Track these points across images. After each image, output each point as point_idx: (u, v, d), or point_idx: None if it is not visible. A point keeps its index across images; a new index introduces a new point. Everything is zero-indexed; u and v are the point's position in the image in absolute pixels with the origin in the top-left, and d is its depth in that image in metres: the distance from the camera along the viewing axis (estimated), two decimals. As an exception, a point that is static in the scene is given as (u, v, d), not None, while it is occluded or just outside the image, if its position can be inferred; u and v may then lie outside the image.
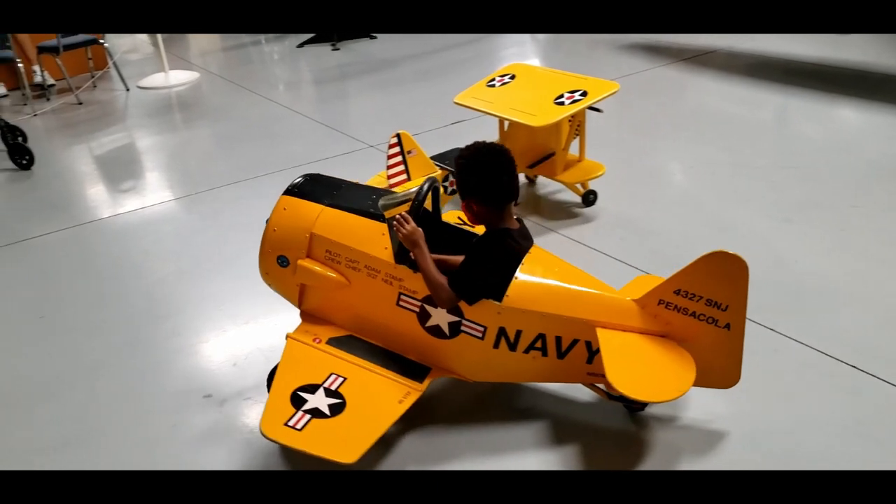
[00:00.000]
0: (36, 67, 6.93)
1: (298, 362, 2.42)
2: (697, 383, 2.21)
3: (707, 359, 2.22)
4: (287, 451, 2.37)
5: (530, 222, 3.70)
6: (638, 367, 2.18)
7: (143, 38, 9.73)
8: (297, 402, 2.23)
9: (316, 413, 2.20)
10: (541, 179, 4.07)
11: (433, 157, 3.67)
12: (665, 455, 2.29)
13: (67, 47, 6.61)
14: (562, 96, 3.53)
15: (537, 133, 3.74)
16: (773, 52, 6.32)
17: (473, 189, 2.35)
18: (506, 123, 3.89)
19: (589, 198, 3.78)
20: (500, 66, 4.12)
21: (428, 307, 2.39)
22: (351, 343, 2.51)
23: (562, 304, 2.28)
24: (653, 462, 2.27)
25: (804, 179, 4.01)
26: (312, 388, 2.29)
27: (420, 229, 2.34)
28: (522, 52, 7.42)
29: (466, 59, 7.22)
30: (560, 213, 3.78)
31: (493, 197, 2.34)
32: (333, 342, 2.50)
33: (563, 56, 6.88)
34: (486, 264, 2.33)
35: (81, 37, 6.80)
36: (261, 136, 5.51)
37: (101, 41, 6.94)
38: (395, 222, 2.37)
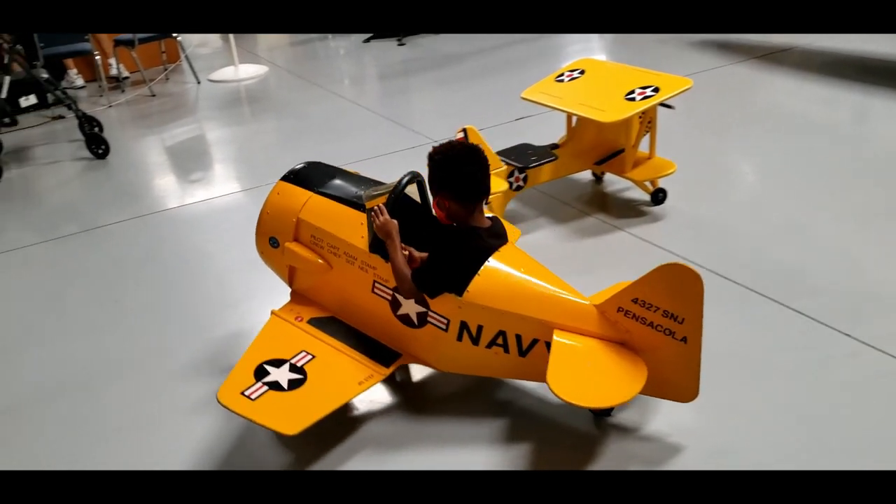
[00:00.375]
0: (112, 60, 7.14)
1: (274, 338, 2.54)
2: (656, 394, 2.22)
3: (664, 371, 2.17)
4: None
5: (597, 220, 3.66)
6: (582, 371, 2.16)
7: (211, 35, 9.94)
8: (259, 374, 2.33)
9: (274, 386, 2.30)
10: (608, 177, 4.01)
11: (499, 153, 3.65)
12: (616, 459, 2.27)
13: (142, 41, 6.79)
14: (633, 92, 3.47)
15: (606, 129, 3.68)
16: (851, 49, 6.10)
17: (446, 184, 2.38)
18: (573, 119, 3.85)
19: (658, 196, 3.71)
20: (566, 63, 4.07)
21: (399, 296, 2.47)
22: (330, 324, 2.61)
23: (521, 303, 2.29)
24: (601, 465, 2.26)
25: (881, 182, 3.87)
26: (279, 363, 2.39)
27: (394, 221, 2.41)
28: (588, 48, 7.33)
29: (531, 55, 7.17)
30: (628, 211, 3.72)
31: (464, 193, 2.37)
32: (314, 322, 2.62)
33: (630, 52, 6.76)
34: (448, 260, 2.37)
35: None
36: (326, 129, 5.57)
37: (175, 35, 7.11)
38: (372, 213, 2.44)
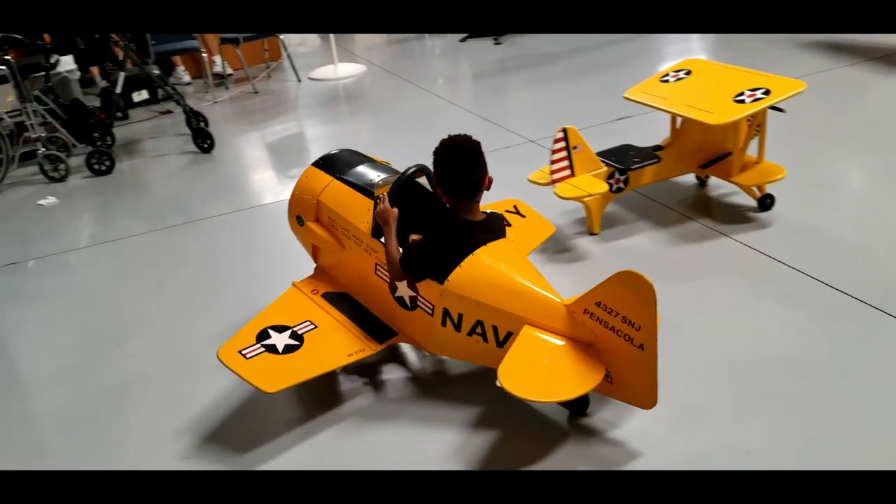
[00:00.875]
0: (217, 58, 7.38)
1: (287, 306, 2.76)
2: (620, 398, 2.28)
3: (625, 375, 2.22)
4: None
5: (700, 225, 3.54)
6: (535, 365, 2.22)
7: (311, 35, 10.15)
8: (261, 337, 2.57)
9: (270, 348, 2.52)
10: (712, 180, 3.88)
11: (599, 154, 3.58)
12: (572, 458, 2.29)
13: (247, 39, 6.99)
14: (742, 94, 3.34)
15: (712, 132, 3.56)
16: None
17: (439, 178, 2.51)
18: (678, 120, 3.74)
19: (765, 202, 3.56)
20: (666, 63, 3.97)
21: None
22: (341, 300, 2.82)
23: (497, 296, 2.36)
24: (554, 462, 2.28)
25: None
26: (282, 329, 2.61)
27: (394, 210, 2.59)
28: (688, 48, 7.12)
29: (628, 54, 7.02)
30: (733, 216, 3.58)
31: (452, 188, 2.48)
32: (327, 296, 2.83)
33: (734, 53, 6.53)
34: (433, 248, 2.50)
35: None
36: (422, 128, 5.59)
37: (277, 34, 7.28)
38: (377, 200, 2.64)
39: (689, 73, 3.74)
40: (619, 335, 2.16)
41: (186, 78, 7.53)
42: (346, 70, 7.38)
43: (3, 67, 5.02)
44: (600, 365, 2.21)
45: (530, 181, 3.62)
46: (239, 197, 4.64)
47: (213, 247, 4.03)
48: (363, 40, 9.59)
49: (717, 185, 3.88)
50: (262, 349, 2.50)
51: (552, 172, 3.47)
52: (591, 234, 3.57)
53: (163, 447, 2.52)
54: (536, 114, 5.54)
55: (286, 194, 4.61)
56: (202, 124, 5.66)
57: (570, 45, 7.47)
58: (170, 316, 3.39)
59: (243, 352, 2.48)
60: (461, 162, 2.45)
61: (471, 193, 2.47)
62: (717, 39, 7.33)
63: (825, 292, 2.92)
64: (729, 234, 3.44)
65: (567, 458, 2.31)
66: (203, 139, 5.47)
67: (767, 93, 3.29)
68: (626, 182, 3.56)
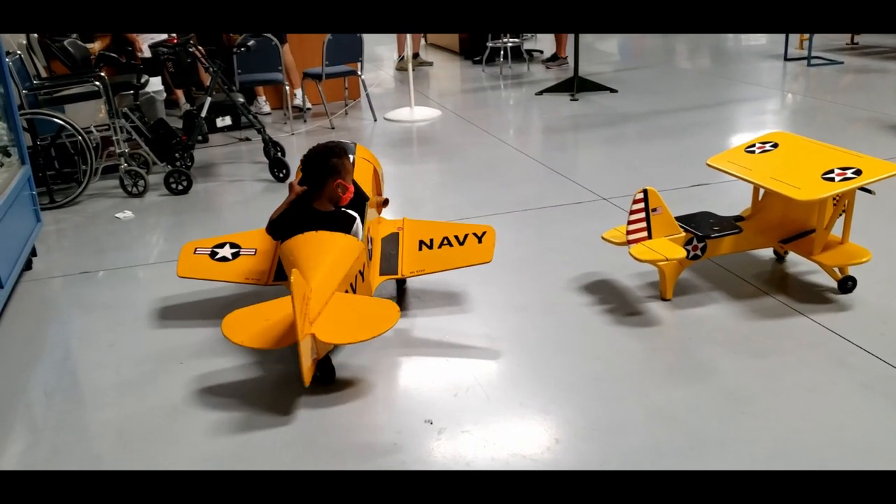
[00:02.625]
0: (298, 91, 7.56)
1: (252, 237, 3.63)
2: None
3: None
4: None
5: (777, 301, 3.43)
6: (342, 318, 2.81)
7: (388, 75, 10.35)
8: (218, 246, 3.58)
9: (212, 254, 3.54)
10: (791, 257, 3.77)
11: (678, 218, 3.52)
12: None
13: (329, 76, 7.15)
14: (831, 171, 3.26)
15: (796, 207, 3.48)
16: None
17: None
18: (760, 192, 3.66)
19: (847, 284, 3.44)
20: (742, 133, 3.90)
21: None
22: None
23: (290, 266, 3.00)
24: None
25: None
26: (234, 246, 3.59)
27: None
28: (764, 120, 7.04)
29: (708, 121, 6.97)
30: (811, 296, 3.47)
31: (303, 178, 3.37)
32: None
33: (816, 128, 6.44)
34: (284, 216, 3.32)
35: (343, 67, 7.33)
36: (492, 175, 5.61)
37: (359, 74, 7.44)
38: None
39: (775, 145, 3.67)
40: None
41: (266, 108, 7.72)
42: (421, 113, 7.48)
43: (98, 84, 5.22)
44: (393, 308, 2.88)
45: (604, 239, 3.57)
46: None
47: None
48: (437, 85, 9.75)
49: (796, 262, 3.77)
50: (208, 252, 3.50)
51: (629, 233, 3.41)
52: (664, 299, 3.49)
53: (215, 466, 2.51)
54: (609, 172, 5.51)
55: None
56: (279, 154, 5.78)
57: (647, 107, 7.47)
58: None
59: (197, 250, 3.49)
60: (308, 161, 3.32)
61: (311, 187, 3.28)
62: (795, 112, 7.24)
63: (909, 385, 2.78)
64: (806, 313, 3.32)
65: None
66: (279, 168, 5.57)
67: (858, 173, 3.20)
68: (703, 250, 3.48)
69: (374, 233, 3.59)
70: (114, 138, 5.34)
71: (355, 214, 3.28)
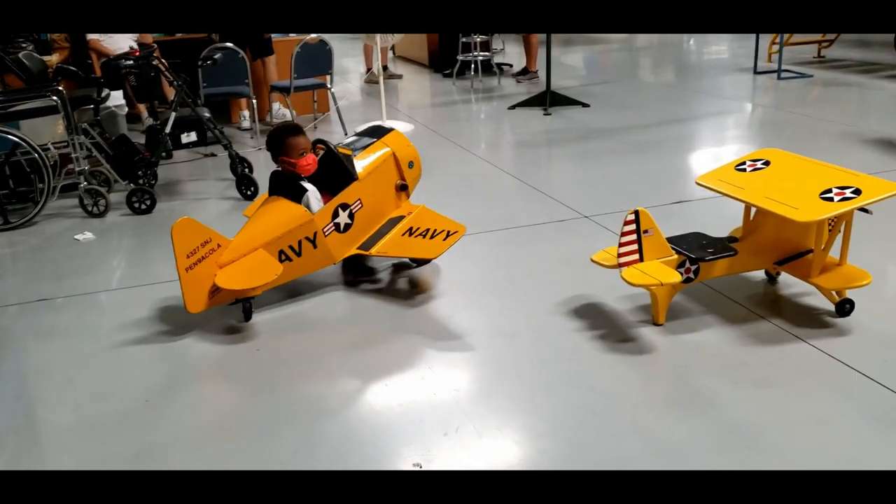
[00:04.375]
0: (277, 104, 7.35)
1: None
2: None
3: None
4: None
5: (773, 325, 3.31)
6: (243, 271, 3.42)
7: (356, 87, 10.18)
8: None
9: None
10: (783, 277, 3.66)
11: (669, 240, 3.38)
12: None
13: (298, 89, 6.95)
14: (829, 191, 3.15)
15: (790, 227, 3.37)
16: None
17: None
18: (752, 212, 3.55)
19: (844, 307, 3.33)
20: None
21: None
22: None
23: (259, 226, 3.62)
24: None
25: None
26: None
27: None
28: (741, 134, 7.01)
29: (683, 135, 6.91)
30: (808, 319, 3.36)
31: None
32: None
33: (784, 142, 6.39)
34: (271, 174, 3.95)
35: (312, 80, 7.14)
36: (469, 192, 5.45)
37: (328, 86, 7.25)
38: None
39: (767, 163, 3.56)
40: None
41: (246, 124, 7.47)
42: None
43: (56, 98, 4.96)
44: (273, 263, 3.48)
45: (594, 262, 3.42)
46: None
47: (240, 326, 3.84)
48: (407, 98, 9.60)
49: (788, 283, 3.66)
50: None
51: (620, 255, 3.27)
52: (656, 324, 3.36)
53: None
54: (589, 189, 5.38)
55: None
56: (247, 170, 5.56)
57: (619, 122, 7.39)
58: (202, 373, 3.20)
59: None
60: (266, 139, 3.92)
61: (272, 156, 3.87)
62: (766, 126, 7.21)
63: (918, 415, 2.67)
64: (805, 338, 3.20)
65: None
66: (247, 186, 5.35)
67: (858, 192, 3.09)
68: (696, 273, 3.35)
69: (379, 210, 3.98)
70: (73, 155, 5.08)
71: (308, 187, 3.72)
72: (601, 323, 3.41)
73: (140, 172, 5.25)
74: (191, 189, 5.76)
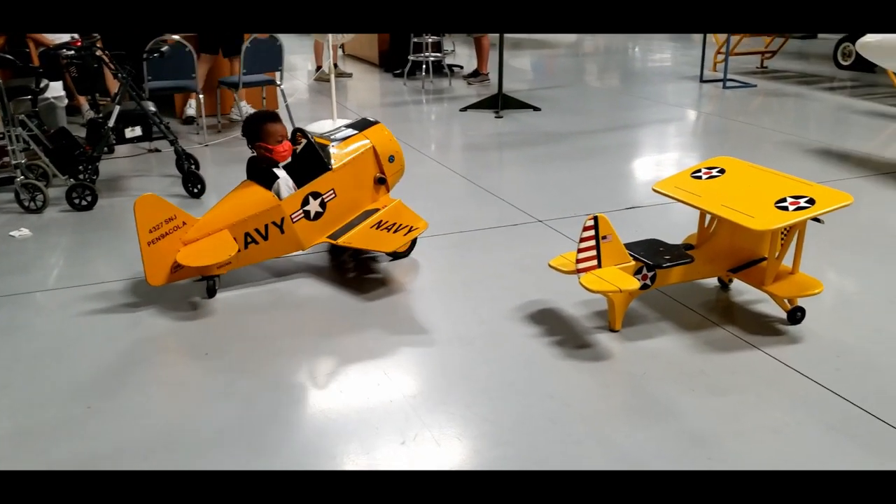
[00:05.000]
0: (244, 102, 7.17)
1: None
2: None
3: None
4: None
5: (726, 332, 3.34)
6: (203, 250, 3.55)
7: (303, 85, 10.02)
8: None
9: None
10: (736, 285, 3.70)
11: (627, 245, 3.38)
12: None
13: (246, 85, 6.78)
14: (784, 200, 3.18)
15: (744, 236, 3.40)
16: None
17: None
18: (707, 218, 3.58)
19: (796, 315, 3.38)
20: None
21: None
22: None
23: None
24: None
25: None
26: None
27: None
28: (688, 141, 7.11)
29: (633, 141, 6.98)
30: (761, 327, 3.39)
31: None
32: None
33: (728, 149, 6.48)
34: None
35: (261, 76, 6.98)
36: (422, 193, 5.35)
37: (278, 83, 7.09)
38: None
39: (722, 171, 3.59)
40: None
41: (192, 111, 7.25)
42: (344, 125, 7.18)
43: (-10, 87, 4.72)
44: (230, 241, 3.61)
45: (552, 267, 3.40)
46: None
47: (194, 300, 3.72)
48: (357, 97, 9.50)
49: (741, 291, 3.70)
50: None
51: (578, 261, 3.25)
52: (612, 330, 3.35)
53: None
54: (542, 193, 5.37)
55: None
56: (193, 167, 5.39)
57: (570, 126, 7.42)
58: (147, 378, 3.06)
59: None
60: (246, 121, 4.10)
61: (247, 141, 3.99)
62: (711, 133, 7.33)
63: (871, 424, 2.70)
64: (759, 346, 3.23)
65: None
66: (194, 183, 5.19)
67: (812, 202, 3.14)
68: (653, 279, 3.36)
69: (354, 201, 4.05)
70: (9, 148, 4.85)
71: (280, 174, 3.81)
72: (558, 329, 3.39)
73: (81, 167, 5.04)
74: (134, 185, 5.56)
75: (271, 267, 4.02)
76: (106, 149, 5.45)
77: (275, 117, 3.97)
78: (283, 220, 3.76)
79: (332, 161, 3.95)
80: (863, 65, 9.51)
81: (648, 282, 3.37)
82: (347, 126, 4.33)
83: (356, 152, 4.07)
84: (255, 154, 3.96)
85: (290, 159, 3.96)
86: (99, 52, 5.16)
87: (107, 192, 5.31)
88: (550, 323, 3.45)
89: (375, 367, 3.10)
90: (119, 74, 5.15)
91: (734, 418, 2.75)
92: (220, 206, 3.77)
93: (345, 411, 2.81)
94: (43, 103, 5.63)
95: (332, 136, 4.16)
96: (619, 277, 3.23)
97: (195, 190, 5.18)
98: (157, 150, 6.26)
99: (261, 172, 3.85)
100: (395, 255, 4.11)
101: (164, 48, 5.81)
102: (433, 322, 3.47)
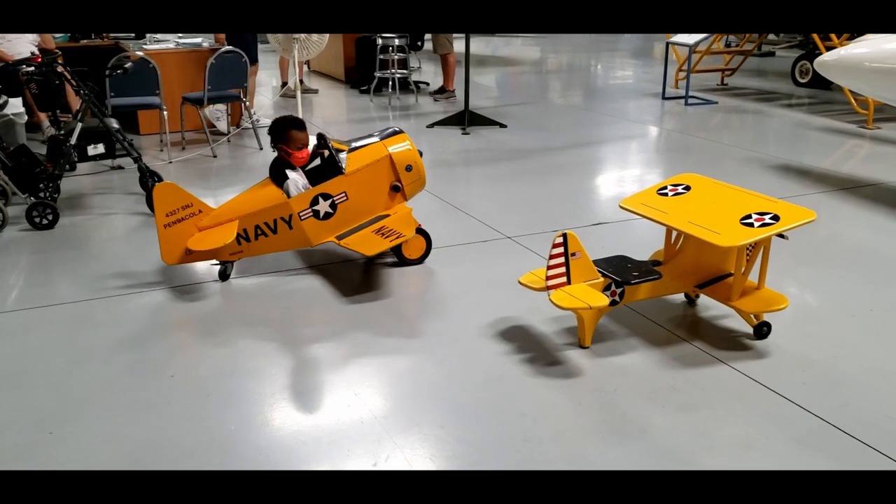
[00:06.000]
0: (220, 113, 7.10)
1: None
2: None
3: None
4: None
5: (694, 347, 3.37)
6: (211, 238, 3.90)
7: (268, 101, 9.96)
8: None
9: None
10: (703, 300, 3.74)
11: (595, 262, 3.40)
12: None
13: (212, 100, 6.72)
14: (749, 217, 3.24)
15: (711, 252, 3.45)
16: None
17: None
18: (673, 235, 3.62)
19: (762, 330, 3.42)
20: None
21: None
22: None
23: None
24: None
25: None
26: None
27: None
28: (651, 158, 7.20)
29: (598, 157, 7.06)
30: (728, 342, 3.43)
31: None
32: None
33: (690, 165, 6.59)
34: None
35: (226, 92, 6.93)
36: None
37: (244, 100, 7.05)
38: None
39: (687, 188, 3.64)
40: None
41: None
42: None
43: (-53, 104, 4.62)
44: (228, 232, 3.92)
45: (522, 284, 3.41)
46: (187, 269, 4.25)
47: (161, 321, 3.66)
48: (323, 113, 9.47)
49: (707, 306, 3.74)
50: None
51: (548, 278, 3.26)
52: (583, 347, 3.36)
53: None
54: (510, 210, 5.39)
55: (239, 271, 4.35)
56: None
57: (536, 143, 7.47)
58: (112, 402, 3.00)
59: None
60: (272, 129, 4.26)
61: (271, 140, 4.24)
62: (673, 150, 7.43)
63: (839, 438, 2.74)
64: (726, 361, 3.27)
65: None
66: (158, 202, 5.10)
67: (776, 218, 3.19)
68: (621, 296, 3.38)
69: (367, 206, 4.22)
70: (-34, 166, 4.74)
71: (291, 175, 4.08)
72: (529, 346, 3.40)
73: (41, 185, 4.95)
74: (97, 203, 5.47)
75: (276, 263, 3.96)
76: (67, 166, 5.35)
77: (301, 125, 4.22)
78: (291, 216, 4.02)
79: (346, 166, 4.12)
80: (820, 82, 9.75)
81: (617, 298, 3.40)
82: (374, 134, 4.46)
83: (373, 160, 4.23)
84: (276, 154, 4.23)
85: (316, 162, 4.29)
86: (60, 69, 5.07)
87: (68, 211, 5.21)
88: (521, 340, 3.45)
89: (344, 386, 3.08)
90: (81, 91, 5.07)
91: (705, 434, 2.78)
92: (236, 199, 4.12)
93: (315, 433, 2.78)
94: (2, 120, 5.52)
95: (350, 142, 4.34)
96: (589, 294, 3.25)
97: (159, 208, 5.10)
98: (121, 168, 6.17)
99: (276, 172, 4.13)
100: (407, 262, 4.28)
101: (128, 64, 5.74)
102: (404, 340, 3.46)
